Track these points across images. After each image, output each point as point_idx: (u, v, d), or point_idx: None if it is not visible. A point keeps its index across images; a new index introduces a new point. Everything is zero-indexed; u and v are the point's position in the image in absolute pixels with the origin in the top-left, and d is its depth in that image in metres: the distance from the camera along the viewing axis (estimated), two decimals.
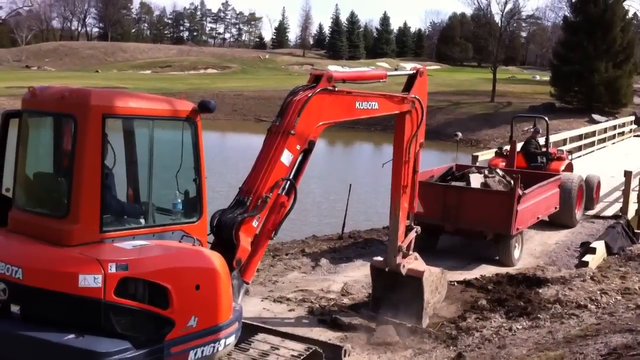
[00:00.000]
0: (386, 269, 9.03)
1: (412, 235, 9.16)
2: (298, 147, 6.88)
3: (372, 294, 9.55)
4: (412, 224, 9.24)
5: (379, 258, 9.35)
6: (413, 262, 9.12)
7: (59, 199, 5.55)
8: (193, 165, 5.96)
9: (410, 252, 9.15)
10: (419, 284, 8.96)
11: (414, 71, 8.83)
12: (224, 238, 6.39)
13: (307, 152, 7.06)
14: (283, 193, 6.81)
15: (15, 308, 5.30)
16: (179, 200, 5.97)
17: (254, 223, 6.57)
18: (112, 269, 5.15)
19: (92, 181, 5.33)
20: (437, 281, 9.40)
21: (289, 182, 6.84)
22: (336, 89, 7.25)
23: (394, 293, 9.10)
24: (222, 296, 5.84)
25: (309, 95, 6.94)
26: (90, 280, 5.10)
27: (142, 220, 5.73)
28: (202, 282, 5.63)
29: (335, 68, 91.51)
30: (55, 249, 5.30)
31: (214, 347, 5.80)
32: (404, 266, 8.90)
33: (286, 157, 6.78)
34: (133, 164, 6.09)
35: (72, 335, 5.09)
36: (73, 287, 5.10)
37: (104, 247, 5.34)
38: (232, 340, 6.07)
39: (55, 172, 5.90)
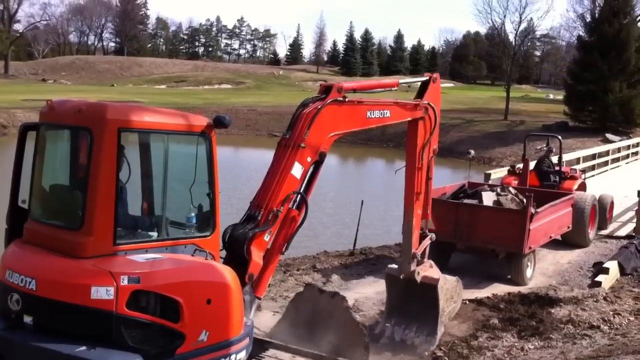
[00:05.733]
0: (401, 277, 8.96)
1: (427, 242, 9.08)
2: (309, 159, 6.85)
3: (387, 302, 9.51)
4: (427, 231, 9.17)
5: (394, 266, 9.27)
6: (428, 270, 9.06)
7: (73, 211, 5.59)
8: (207, 180, 5.99)
9: (425, 260, 9.10)
10: (434, 292, 8.88)
11: (427, 77, 8.74)
12: (236, 253, 6.40)
13: (318, 164, 7.01)
14: (294, 207, 6.79)
15: (28, 319, 5.35)
16: (193, 214, 5.99)
17: (266, 237, 6.56)
18: (124, 281, 5.19)
19: (106, 194, 5.37)
20: (452, 290, 9.35)
21: (299, 195, 6.82)
22: (347, 99, 7.20)
23: (409, 301, 9.05)
24: (234, 311, 5.86)
25: (319, 107, 6.91)
26: (102, 293, 5.14)
27: (156, 234, 5.77)
28: (214, 297, 5.65)
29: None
30: (68, 260, 5.33)
31: None
32: (418, 273, 8.84)
33: (297, 170, 6.75)
34: (148, 177, 6.14)
35: (83, 347, 5.12)
36: (85, 298, 5.14)
37: (116, 260, 5.37)
38: (242, 355, 6.06)
39: (70, 184, 5.95)
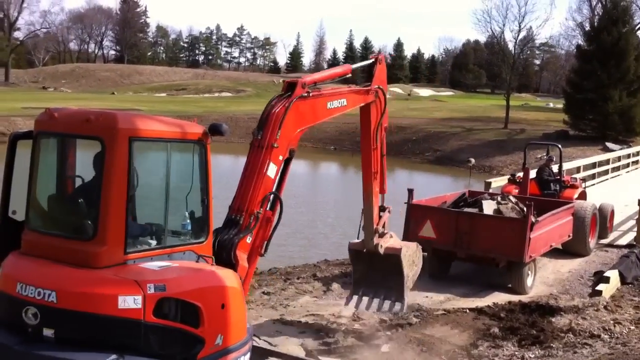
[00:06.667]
0: (364, 251, 9.41)
1: (386, 215, 9.52)
2: (281, 157, 6.98)
3: (353, 275, 10.02)
4: (384, 205, 9.55)
5: (356, 241, 9.65)
6: (389, 241, 9.48)
7: (83, 220, 5.53)
8: (203, 187, 6.04)
9: (386, 231, 9.49)
10: (397, 261, 9.33)
11: (373, 59, 9.03)
12: (222, 258, 6.43)
13: (287, 161, 7.14)
14: (268, 208, 6.88)
15: (48, 332, 5.23)
16: (190, 221, 6.02)
17: (248, 240, 6.66)
18: (151, 289, 5.22)
19: (118, 203, 5.37)
20: (413, 255, 9.72)
21: (273, 195, 6.90)
22: (310, 93, 7.36)
23: (374, 272, 9.56)
24: (242, 314, 6.02)
25: (287, 105, 7.02)
26: (130, 302, 5.15)
27: (159, 241, 5.77)
28: (227, 301, 5.76)
29: None
30: (87, 271, 5.27)
31: None
32: (381, 246, 9.29)
33: (272, 170, 6.86)
34: (151, 185, 6.12)
35: (113, 356, 5.11)
36: (112, 308, 5.12)
37: (136, 269, 5.39)
38: (248, 357, 6.18)
39: (78, 193, 5.87)
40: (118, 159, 5.37)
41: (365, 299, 9.65)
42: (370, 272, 9.59)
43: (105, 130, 5.41)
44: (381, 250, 9.29)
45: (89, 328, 5.17)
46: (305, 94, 7.25)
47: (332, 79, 8.31)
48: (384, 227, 9.42)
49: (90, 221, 5.42)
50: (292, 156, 7.13)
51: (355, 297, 9.74)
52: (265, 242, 6.81)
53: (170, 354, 5.34)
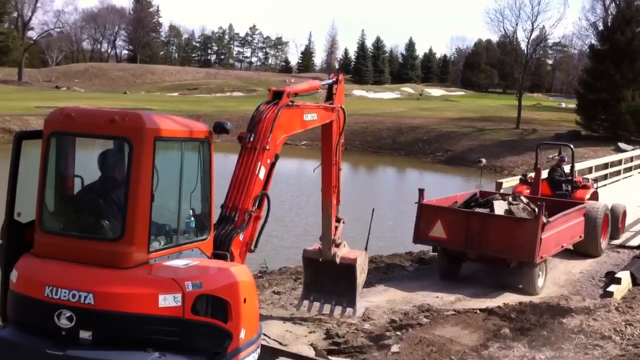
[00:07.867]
0: (320, 260, 9.72)
1: (341, 226, 9.96)
2: (269, 161, 7.16)
3: (304, 281, 10.31)
4: (339, 216, 9.95)
5: (310, 248, 10.00)
6: (343, 250, 9.84)
7: (110, 221, 5.53)
8: (206, 184, 6.11)
9: (339, 241, 9.84)
10: (352, 270, 9.71)
11: (334, 79, 9.34)
12: (218, 254, 6.47)
13: (272, 165, 7.30)
14: (256, 207, 7.01)
15: (85, 334, 5.21)
16: (196, 219, 6.08)
17: (241, 237, 6.76)
18: (189, 287, 5.30)
19: (144, 203, 5.40)
20: (363, 263, 10.06)
21: (264, 196, 7.04)
22: (294, 103, 7.60)
23: (326, 279, 9.91)
24: (257, 309, 6.24)
25: (276, 111, 7.25)
26: (170, 300, 5.23)
27: (171, 240, 5.80)
28: (247, 295, 5.89)
29: (360, 93, 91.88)
30: (122, 271, 5.28)
31: (253, 357, 6.12)
32: (338, 256, 9.65)
33: (262, 172, 7.03)
34: (166, 184, 6.14)
35: (156, 354, 5.17)
36: (153, 307, 5.19)
37: (165, 267, 5.45)
38: (259, 352, 6.31)
39: (102, 194, 5.77)
40: (145, 159, 5.39)
41: (316, 304, 10.03)
42: (321, 277, 9.94)
43: (132, 130, 5.40)
44: (337, 260, 9.62)
45: (128, 328, 5.19)
46: (290, 103, 7.52)
47: (308, 93, 8.57)
48: (339, 237, 9.80)
49: (116, 221, 5.43)
50: (276, 161, 7.31)
51: (306, 302, 10.09)
52: (256, 239, 6.96)
53: (205, 350, 5.47)
